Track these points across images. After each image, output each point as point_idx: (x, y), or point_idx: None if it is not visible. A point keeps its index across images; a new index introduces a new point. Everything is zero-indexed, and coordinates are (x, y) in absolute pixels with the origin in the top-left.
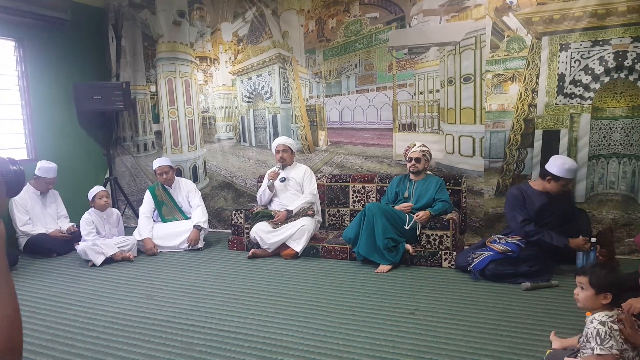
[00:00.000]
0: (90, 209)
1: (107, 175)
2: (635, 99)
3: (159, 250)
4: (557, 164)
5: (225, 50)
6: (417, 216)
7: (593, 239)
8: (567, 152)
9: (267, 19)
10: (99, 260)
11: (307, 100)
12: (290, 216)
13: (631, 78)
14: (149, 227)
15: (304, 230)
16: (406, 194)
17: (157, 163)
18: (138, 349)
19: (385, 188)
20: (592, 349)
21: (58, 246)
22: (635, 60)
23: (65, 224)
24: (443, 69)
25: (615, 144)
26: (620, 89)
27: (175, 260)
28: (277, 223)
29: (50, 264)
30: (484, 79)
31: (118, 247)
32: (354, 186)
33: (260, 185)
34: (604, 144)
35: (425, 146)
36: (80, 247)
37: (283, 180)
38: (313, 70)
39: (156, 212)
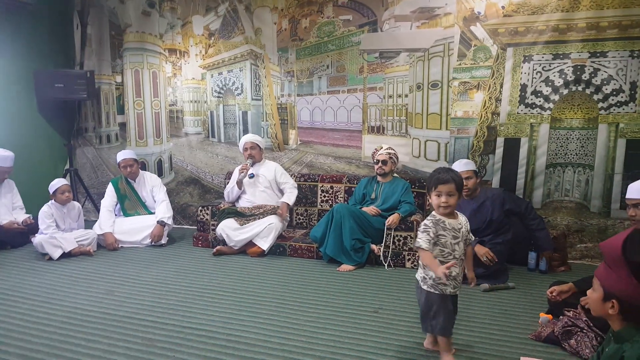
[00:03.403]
0: (50, 202)
1: (67, 167)
2: (591, 112)
3: (120, 246)
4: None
5: (196, 44)
6: (388, 222)
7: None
8: (527, 159)
9: (240, 14)
10: (56, 253)
11: (279, 99)
12: (258, 213)
13: (588, 91)
14: (111, 222)
15: (271, 228)
16: (373, 195)
17: (121, 156)
18: (97, 345)
19: (353, 189)
20: None
21: (12, 238)
22: (592, 75)
23: (21, 216)
24: (412, 75)
25: (571, 154)
26: (578, 101)
27: (137, 256)
28: (246, 220)
29: (4, 257)
30: (450, 86)
31: (77, 242)
32: (322, 186)
33: (228, 182)
34: (560, 153)
35: (392, 149)
36: (36, 239)
37: (252, 176)
38: (285, 68)
39: (118, 206)
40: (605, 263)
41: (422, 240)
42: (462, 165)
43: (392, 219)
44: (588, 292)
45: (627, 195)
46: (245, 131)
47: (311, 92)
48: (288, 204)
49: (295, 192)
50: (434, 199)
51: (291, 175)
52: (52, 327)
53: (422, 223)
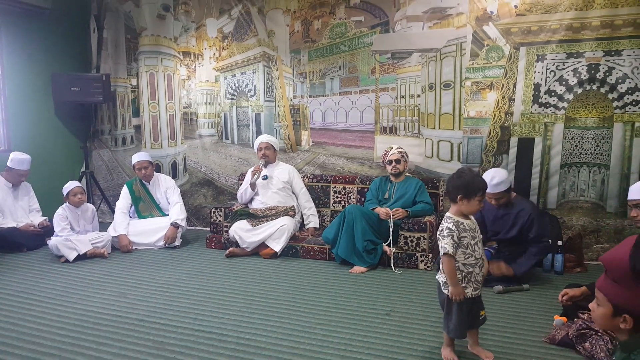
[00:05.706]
0: (64, 204)
1: (83, 169)
2: (606, 111)
3: (134, 247)
4: None
5: (210, 46)
6: (393, 213)
7: (559, 242)
8: (541, 159)
9: (253, 16)
10: (71, 255)
11: (291, 100)
12: (270, 214)
13: (602, 90)
14: (125, 223)
15: (283, 230)
16: (387, 195)
17: (136, 158)
18: (108, 348)
19: (365, 190)
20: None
21: (29, 240)
22: (607, 73)
23: (38, 218)
24: (424, 75)
25: (586, 153)
26: (592, 100)
27: (151, 258)
28: (259, 222)
29: (20, 259)
30: (463, 85)
31: (92, 244)
32: (335, 187)
33: (242, 184)
34: (575, 153)
35: (402, 148)
36: (52, 242)
37: (265, 177)
38: (297, 70)
39: (133, 208)
40: (608, 277)
41: (447, 245)
42: (492, 187)
43: (398, 209)
44: (591, 305)
45: (629, 197)
46: (258, 133)
47: (323, 93)
48: (316, 228)
49: (316, 214)
50: (475, 205)
51: (303, 177)
52: (65, 329)
53: (445, 227)
